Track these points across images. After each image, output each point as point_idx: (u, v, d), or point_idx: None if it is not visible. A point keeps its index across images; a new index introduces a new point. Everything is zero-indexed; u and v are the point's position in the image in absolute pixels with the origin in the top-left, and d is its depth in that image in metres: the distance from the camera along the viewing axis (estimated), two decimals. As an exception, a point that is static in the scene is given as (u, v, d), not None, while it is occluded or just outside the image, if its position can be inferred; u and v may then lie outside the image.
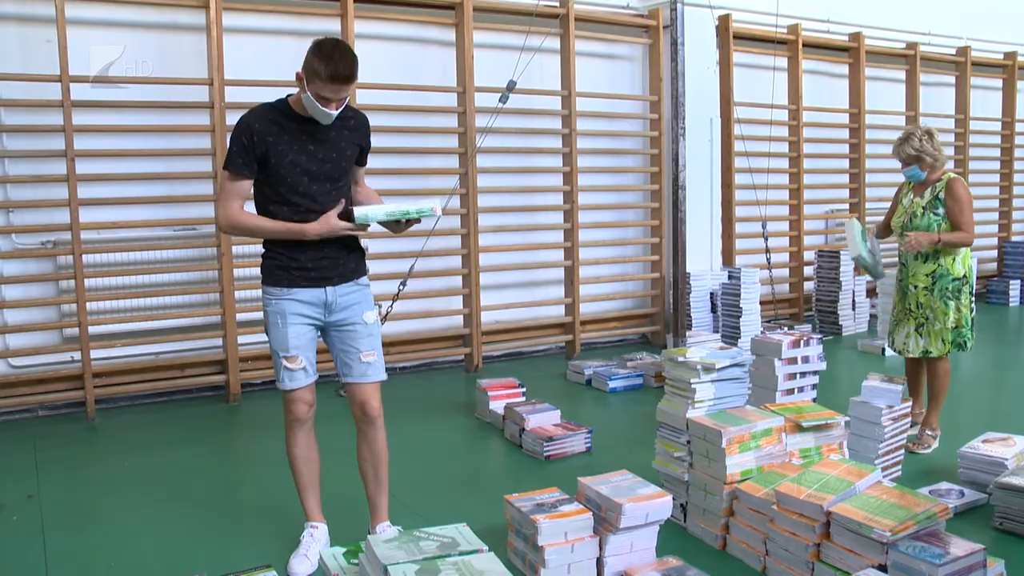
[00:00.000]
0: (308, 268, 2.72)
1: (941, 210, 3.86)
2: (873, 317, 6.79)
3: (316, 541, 2.84)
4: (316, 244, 2.71)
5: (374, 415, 2.84)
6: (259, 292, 5.23)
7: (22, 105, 4.58)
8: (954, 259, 3.89)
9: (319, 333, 2.85)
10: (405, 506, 3.26)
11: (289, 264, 2.72)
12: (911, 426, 3.92)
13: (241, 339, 5.08)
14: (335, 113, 2.62)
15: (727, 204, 6.71)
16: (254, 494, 3.57)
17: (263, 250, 2.79)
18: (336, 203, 2.72)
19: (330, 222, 2.66)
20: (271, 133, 2.64)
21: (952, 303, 3.87)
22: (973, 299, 3.95)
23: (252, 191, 2.74)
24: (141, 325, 4.95)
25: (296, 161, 2.67)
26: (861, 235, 4.08)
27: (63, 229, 4.66)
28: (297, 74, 2.60)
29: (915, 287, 3.96)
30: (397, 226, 2.75)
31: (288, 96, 2.70)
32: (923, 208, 3.91)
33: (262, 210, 2.74)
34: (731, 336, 6.10)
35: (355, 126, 2.80)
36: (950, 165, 4.87)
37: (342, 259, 2.77)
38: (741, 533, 2.85)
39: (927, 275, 3.92)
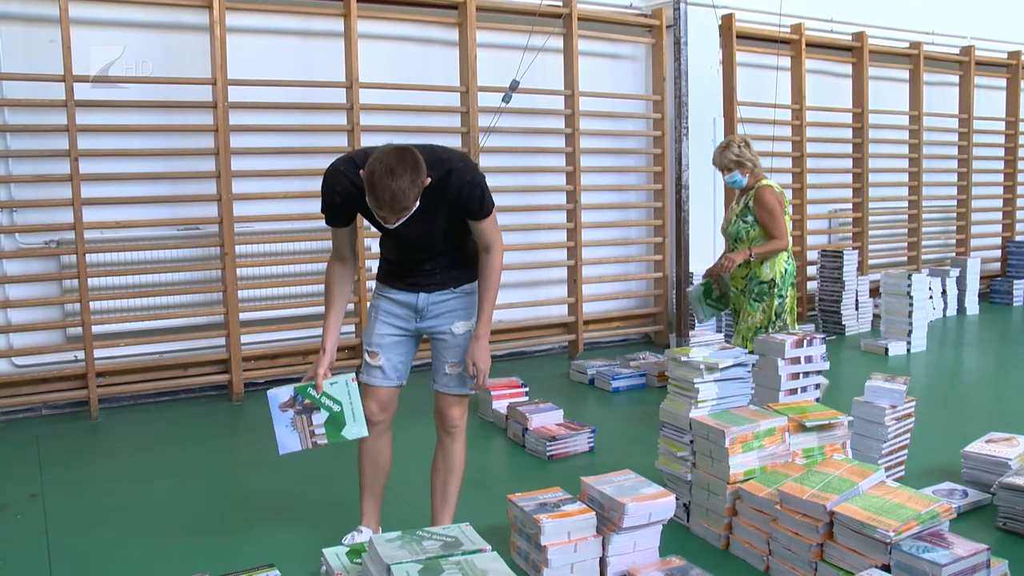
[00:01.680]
0: (405, 276, 2.74)
1: (750, 218, 4.08)
2: (876, 317, 6.78)
3: None
4: (413, 262, 2.70)
5: (450, 426, 2.80)
6: (261, 292, 5.32)
7: (26, 105, 4.58)
8: (762, 263, 4.11)
9: (418, 341, 2.83)
10: (408, 505, 3.26)
11: (391, 269, 2.77)
12: None
13: (244, 339, 5.09)
14: (395, 227, 2.51)
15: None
16: (257, 494, 3.57)
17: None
18: (441, 259, 2.70)
19: (308, 374, 2.67)
20: (356, 201, 2.56)
21: (758, 305, 4.11)
22: (781, 303, 4.13)
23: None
24: (144, 324, 4.95)
25: (385, 227, 2.59)
26: (703, 296, 4.39)
27: (67, 229, 4.66)
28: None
29: (736, 288, 4.24)
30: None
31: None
32: (736, 216, 4.14)
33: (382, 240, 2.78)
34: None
35: (444, 189, 2.55)
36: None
37: (439, 273, 2.73)
38: (744, 533, 2.85)
39: (742, 278, 4.19)
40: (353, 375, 2.71)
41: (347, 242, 2.70)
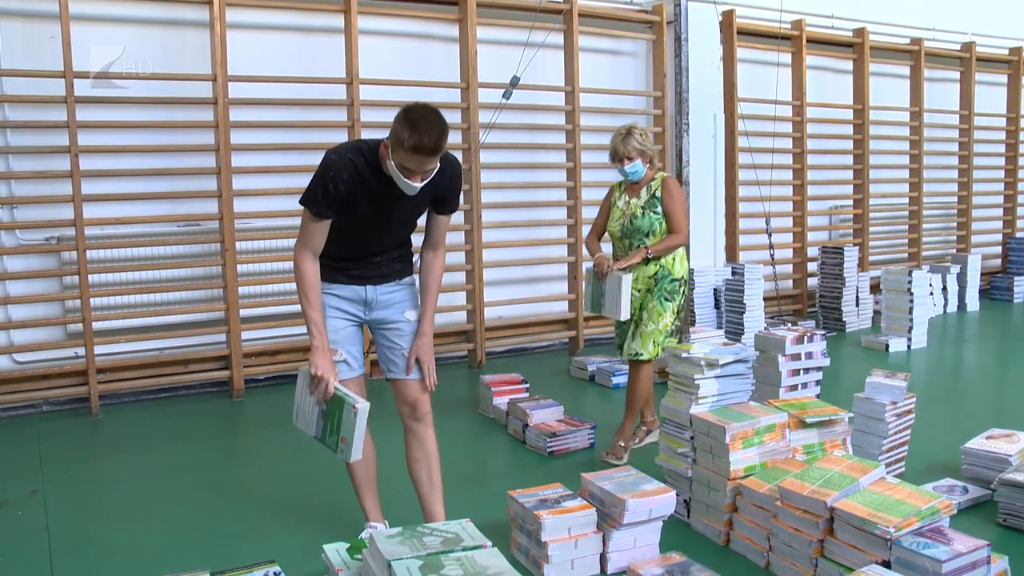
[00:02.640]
0: (350, 269, 2.70)
1: (660, 209, 3.75)
2: (877, 313, 6.77)
3: None
4: (363, 256, 2.69)
5: (421, 413, 2.80)
6: (261, 288, 5.30)
7: (26, 101, 4.58)
8: (675, 259, 3.80)
9: (362, 330, 2.81)
10: (409, 501, 3.26)
11: (333, 264, 2.69)
12: (646, 434, 3.97)
13: (244, 335, 5.09)
14: (419, 186, 2.49)
15: (731, 200, 6.70)
16: (258, 490, 3.57)
17: None
18: (393, 251, 2.71)
19: (328, 373, 2.55)
20: (356, 190, 2.53)
21: (669, 304, 3.78)
22: (683, 301, 3.86)
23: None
24: (145, 321, 4.95)
25: (370, 217, 2.60)
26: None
27: (67, 225, 4.66)
28: (383, 142, 2.51)
29: (638, 291, 3.81)
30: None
31: (382, 142, 2.55)
32: (642, 208, 3.77)
33: None
34: (735, 332, 6.09)
35: (437, 179, 2.57)
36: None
37: (385, 266, 2.74)
38: (744, 529, 2.85)
39: (650, 277, 3.79)
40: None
41: (325, 235, 2.61)
